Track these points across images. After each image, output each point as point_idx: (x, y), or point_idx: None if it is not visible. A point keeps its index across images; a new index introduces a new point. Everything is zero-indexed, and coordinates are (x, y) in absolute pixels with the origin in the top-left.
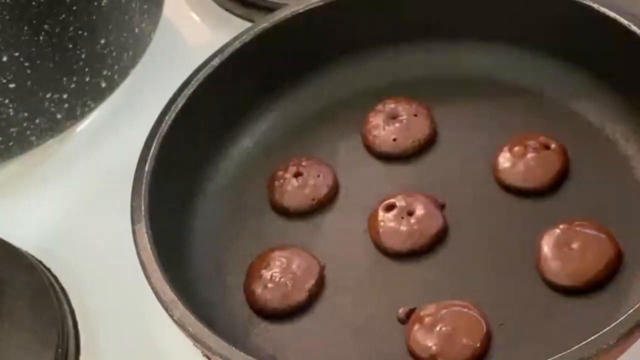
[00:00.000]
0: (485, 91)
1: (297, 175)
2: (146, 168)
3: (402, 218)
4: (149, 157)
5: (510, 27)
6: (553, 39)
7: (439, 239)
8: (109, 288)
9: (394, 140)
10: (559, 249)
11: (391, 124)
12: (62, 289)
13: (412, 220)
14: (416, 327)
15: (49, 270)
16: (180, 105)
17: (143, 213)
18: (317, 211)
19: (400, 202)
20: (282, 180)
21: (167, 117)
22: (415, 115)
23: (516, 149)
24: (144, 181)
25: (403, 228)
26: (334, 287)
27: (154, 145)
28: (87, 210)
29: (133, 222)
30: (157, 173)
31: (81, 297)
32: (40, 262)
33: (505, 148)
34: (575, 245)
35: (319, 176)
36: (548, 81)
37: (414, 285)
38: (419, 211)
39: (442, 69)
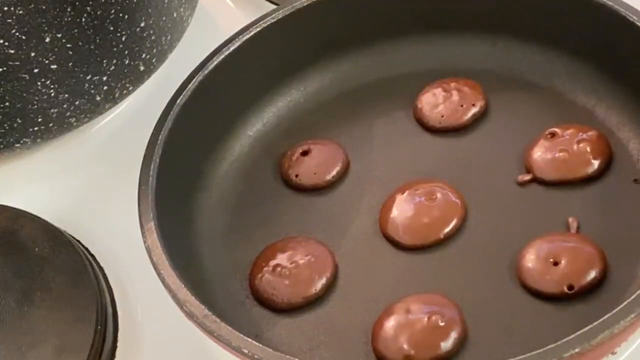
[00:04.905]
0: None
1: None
2: (153, 168)
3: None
4: (154, 155)
5: (519, 22)
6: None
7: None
8: (145, 266)
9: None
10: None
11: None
12: (100, 267)
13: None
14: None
15: (87, 249)
16: (189, 93)
17: (151, 214)
18: (327, 194)
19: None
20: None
21: (175, 105)
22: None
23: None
24: (151, 169)
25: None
26: (345, 280)
27: (159, 141)
28: (124, 191)
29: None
30: (166, 158)
31: (118, 275)
32: (79, 241)
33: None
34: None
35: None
36: (556, 76)
37: (422, 277)
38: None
39: (429, 63)
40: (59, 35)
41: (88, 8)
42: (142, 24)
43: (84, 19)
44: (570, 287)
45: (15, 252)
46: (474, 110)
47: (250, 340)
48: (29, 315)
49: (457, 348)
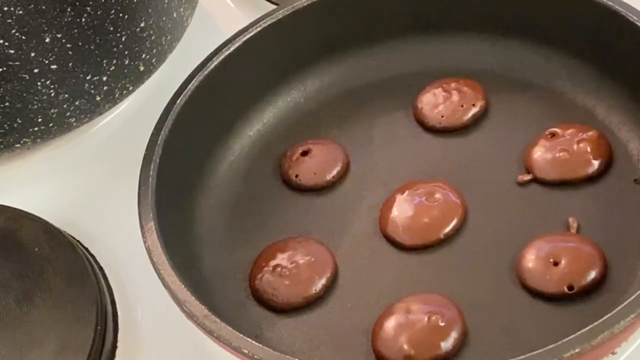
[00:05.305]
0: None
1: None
2: (153, 168)
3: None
4: (154, 155)
5: (519, 22)
6: (572, 36)
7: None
8: (145, 266)
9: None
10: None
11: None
12: (100, 267)
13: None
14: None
15: (87, 249)
16: (189, 93)
17: (151, 214)
18: (327, 194)
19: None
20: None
21: (175, 105)
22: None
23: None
24: (151, 169)
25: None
26: (345, 280)
27: (159, 141)
28: (124, 191)
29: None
30: (166, 158)
31: (118, 275)
32: (79, 241)
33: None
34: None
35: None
36: (556, 76)
37: (422, 277)
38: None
39: (429, 63)
40: (59, 35)
41: (88, 8)
42: (142, 24)
43: (84, 19)
44: (570, 287)
45: (15, 252)
46: (474, 110)
47: (250, 340)
48: (29, 315)
49: (457, 348)
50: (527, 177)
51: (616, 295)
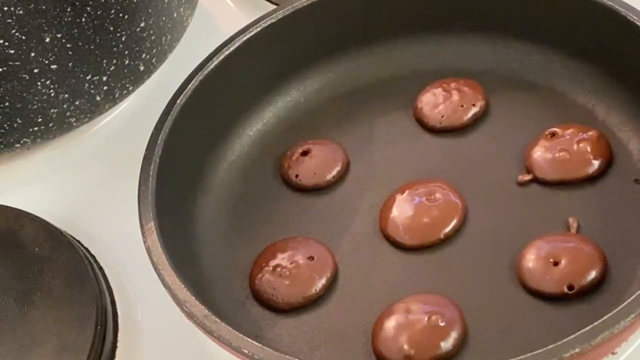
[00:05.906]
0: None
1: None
2: (153, 168)
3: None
4: (154, 155)
5: (519, 22)
6: (569, 36)
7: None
8: (145, 266)
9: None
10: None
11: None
12: (100, 267)
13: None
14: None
15: (87, 249)
16: (189, 93)
17: (151, 214)
18: (327, 194)
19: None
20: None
21: (175, 105)
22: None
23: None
24: (151, 169)
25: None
26: (345, 280)
27: (159, 141)
28: (124, 191)
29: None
30: (166, 158)
31: (118, 275)
32: (79, 241)
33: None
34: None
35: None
36: (556, 76)
37: (422, 277)
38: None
39: (429, 63)
40: (59, 35)
41: (88, 8)
42: (142, 24)
43: (84, 19)
44: (570, 287)
45: (15, 252)
46: (474, 110)
47: (250, 340)
48: (28, 316)
49: (457, 348)
50: (527, 177)
51: (616, 295)
